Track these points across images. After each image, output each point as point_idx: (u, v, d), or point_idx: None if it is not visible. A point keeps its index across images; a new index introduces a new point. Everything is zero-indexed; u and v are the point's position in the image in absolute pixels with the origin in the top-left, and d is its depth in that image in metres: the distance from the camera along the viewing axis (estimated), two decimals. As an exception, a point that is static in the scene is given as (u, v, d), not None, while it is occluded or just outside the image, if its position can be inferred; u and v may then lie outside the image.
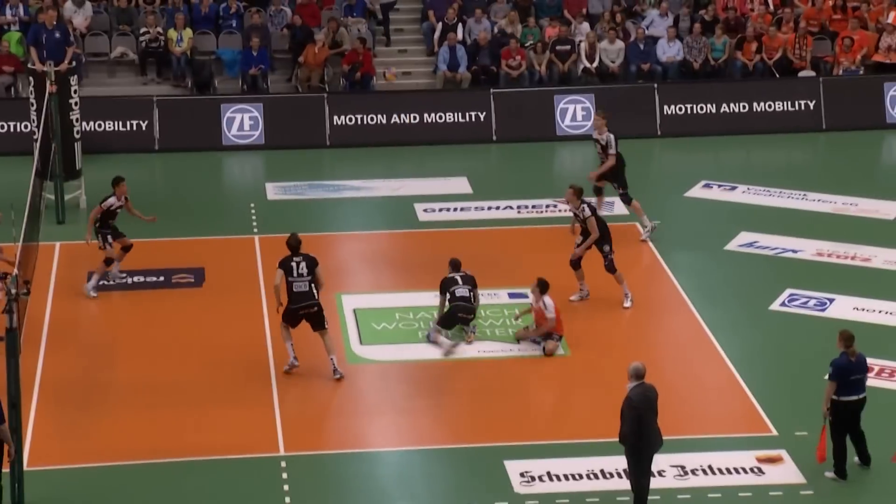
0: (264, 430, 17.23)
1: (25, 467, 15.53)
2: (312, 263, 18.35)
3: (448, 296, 19.58)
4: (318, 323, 18.42)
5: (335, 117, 28.67)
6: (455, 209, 24.74)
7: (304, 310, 18.27)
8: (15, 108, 27.31)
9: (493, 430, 17.33)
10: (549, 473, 16.25)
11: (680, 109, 29.39)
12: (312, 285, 18.28)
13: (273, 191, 25.76)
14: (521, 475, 16.21)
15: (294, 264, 18.26)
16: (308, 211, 24.80)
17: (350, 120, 28.76)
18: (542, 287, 19.25)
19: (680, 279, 21.44)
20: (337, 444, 17.06)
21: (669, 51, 30.60)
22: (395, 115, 28.79)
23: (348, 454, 16.91)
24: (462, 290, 19.54)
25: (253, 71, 29.55)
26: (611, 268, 20.61)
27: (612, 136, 23.13)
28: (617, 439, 15.03)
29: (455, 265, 19.87)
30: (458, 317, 19.51)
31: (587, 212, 20.66)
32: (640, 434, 14.78)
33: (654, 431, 14.92)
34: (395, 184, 26.01)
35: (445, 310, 19.55)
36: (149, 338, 19.75)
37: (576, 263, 20.76)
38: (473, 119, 28.98)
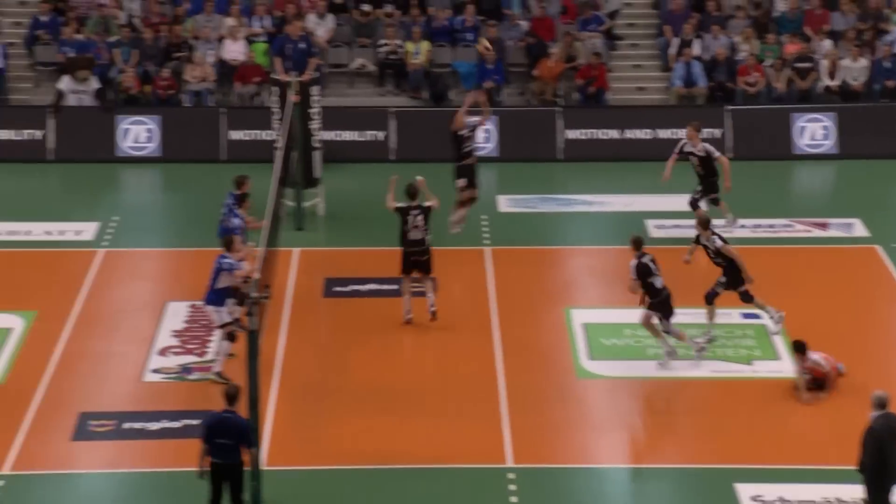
0: (492, 440, 17.33)
1: (263, 466, 15.92)
2: (429, 214, 20.25)
3: (645, 286, 19.09)
4: (426, 269, 20.20)
5: (568, 131, 28.71)
6: (688, 226, 24.45)
7: (415, 256, 20.06)
8: (259, 116, 28.09)
9: (724, 451, 17.11)
10: (781, 499, 15.96)
11: (927, 129, 28.56)
12: (426, 235, 20.10)
13: (505, 203, 25.92)
14: (753, 499, 15.95)
15: (412, 216, 20.05)
16: (539, 224, 24.88)
17: (583, 134, 28.76)
18: (799, 348, 18.36)
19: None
20: (565, 458, 17.07)
21: (917, 70, 29.78)
22: (628, 130, 28.69)
23: (576, 469, 16.90)
24: (660, 281, 19.17)
25: (488, 84, 29.79)
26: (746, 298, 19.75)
27: (707, 145, 23.04)
28: (855, 467, 14.68)
29: (638, 243, 19.25)
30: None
31: (718, 242, 19.84)
32: (881, 464, 14.41)
33: (894, 462, 14.54)
34: (628, 199, 25.90)
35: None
36: (382, 344, 20.07)
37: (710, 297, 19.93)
38: (708, 136, 28.64)
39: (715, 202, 23.68)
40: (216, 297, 18.75)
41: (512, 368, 18.99)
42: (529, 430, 17.61)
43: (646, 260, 18.99)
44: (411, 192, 20.49)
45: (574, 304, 21.15)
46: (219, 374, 18.61)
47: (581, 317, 20.71)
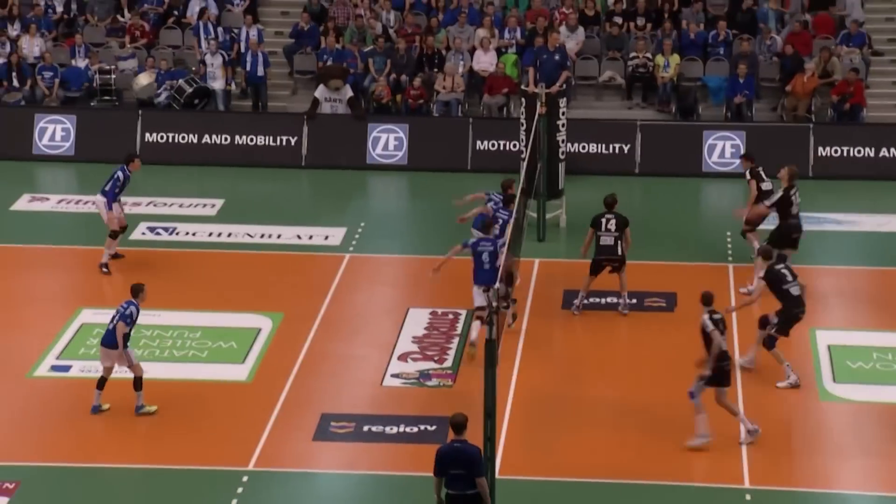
0: (729, 460, 17.06)
1: (497, 476, 16.01)
2: (623, 223, 20.77)
3: (780, 294, 18.84)
4: (617, 270, 20.92)
5: (820, 148, 28.07)
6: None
7: (607, 262, 20.75)
8: (506, 127, 28.31)
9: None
10: None
11: None
12: (619, 241, 20.69)
13: (742, 220, 25.46)
14: None
15: (604, 220, 20.79)
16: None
17: (836, 151, 28.08)
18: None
19: None
20: (803, 482, 16.69)
21: None
22: (883, 149, 27.89)
23: (815, 493, 16.51)
24: (797, 288, 18.86)
25: (738, 98, 29.36)
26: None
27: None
28: None
29: (767, 254, 19.22)
30: (799, 318, 18.99)
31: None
32: None
33: None
34: (882, 219, 25.19)
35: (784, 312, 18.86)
36: (618, 358, 19.98)
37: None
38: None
39: None
40: (488, 277, 19.50)
41: (750, 386, 18.63)
42: (768, 451, 17.27)
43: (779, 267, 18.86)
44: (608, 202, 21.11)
45: (820, 324, 20.65)
46: (473, 343, 19.59)
47: (826, 338, 20.22)
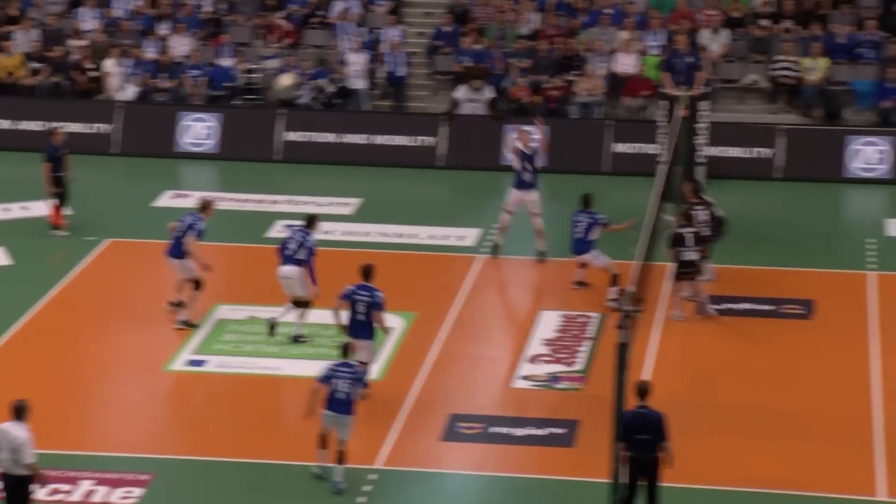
0: (862, 471, 16.74)
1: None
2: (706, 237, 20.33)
3: None
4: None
5: (969, 155, 27.42)
6: None
7: (687, 276, 20.27)
8: (645, 129, 28.09)
9: None
10: None
11: None
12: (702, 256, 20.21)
13: (895, 227, 24.96)
14: None
15: (687, 235, 20.24)
16: (931, 251, 23.88)
17: None
18: None
19: None
20: (940, 497, 16.32)
21: None
22: None
23: (950, 509, 16.15)
24: None
25: (886, 103, 28.76)
26: None
27: None
28: None
29: None
30: None
31: None
32: None
33: None
34: None
35: None
36: (753, 365, 19.72)
37: None
38: None
39: None
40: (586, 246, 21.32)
41: (891, 399, 18.27)
42: (904, 464, 16.92)
43: None
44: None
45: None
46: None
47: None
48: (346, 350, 16.78)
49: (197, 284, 20.77)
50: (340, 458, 16.44)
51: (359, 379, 16.56)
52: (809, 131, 28.64)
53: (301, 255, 20.15)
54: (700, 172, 25.12)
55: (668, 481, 16.44)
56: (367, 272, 18.44)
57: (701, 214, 21.10)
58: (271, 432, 17.90)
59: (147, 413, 18.56)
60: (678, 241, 20.77)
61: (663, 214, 23.58)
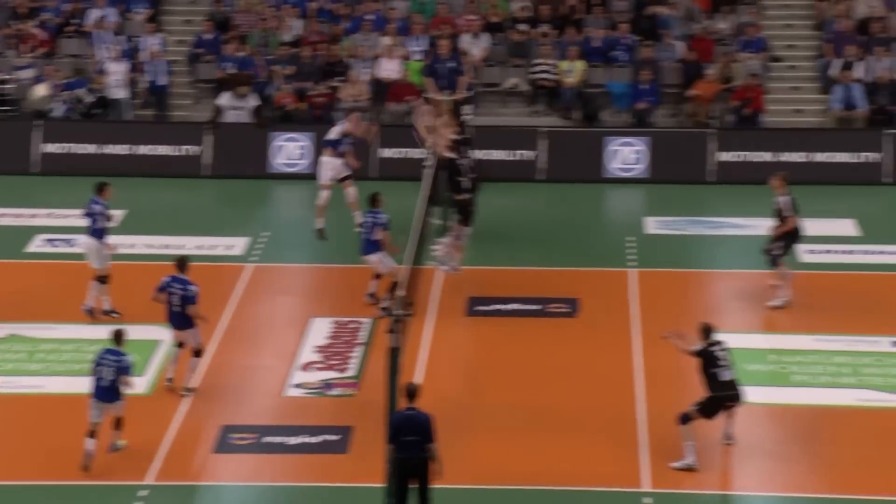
0: (628, 464, 17.17)
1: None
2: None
3: (709, 378, 16.92)
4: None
5: (721, 153, 28.38)
6: (840, 251, 24.04)
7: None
8: (410, 134, 28.26)
9: (871, 482, 16.71)
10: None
11: None
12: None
13: (652, 225, 25.71)
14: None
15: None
16: (687, 246, 24.62)
17: (736, 156, 28.40)
18: None
19: None
20: (703, 485, 16.82)
21: None
22: (783, 153, 28.24)
23: (715, 495, 16.67)
24: (728, 374, 17.00)
25: (641, 105, 29.59)
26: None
27: (788, 199, 21.51)
28: None
29: (708, 331, 17.16)
30: (724, 405, 17.10)
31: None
32: None
33: None
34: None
35: (709, 395, 16.94)
36: (521, 364, 20.04)
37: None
38: (865, 160, 28.11)
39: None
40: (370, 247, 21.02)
41: (652, 392, 18.79)
42: (668, 455, 17.36)
43: (714, 348, 17.10)
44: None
45: (718, 328, 20.80)
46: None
47: (727, 341, 20.34)
48: (116, 337, 17.16)
49: None
50: (118, 424, 17.07)
51: (124, 367, 16.94)
52: (569, 133, 29.27)
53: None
54: (465, 175, 25.40)
55: (442, 482, 16.67)
56: (181, 264, 18.90)
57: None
58: (35, 451, 17.43)
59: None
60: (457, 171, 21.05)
61: (431, 218, 23.87)
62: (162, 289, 18.81)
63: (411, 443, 15.21)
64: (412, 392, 15.41)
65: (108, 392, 16.93)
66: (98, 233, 21.28)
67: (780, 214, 21.81)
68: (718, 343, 17.24)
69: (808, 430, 17.99)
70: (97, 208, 21.32)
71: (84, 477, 16.77)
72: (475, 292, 21.89)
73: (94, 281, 21.26)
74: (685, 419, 17.07)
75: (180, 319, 18.82)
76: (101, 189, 21.58)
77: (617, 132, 28.87)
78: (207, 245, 24.49)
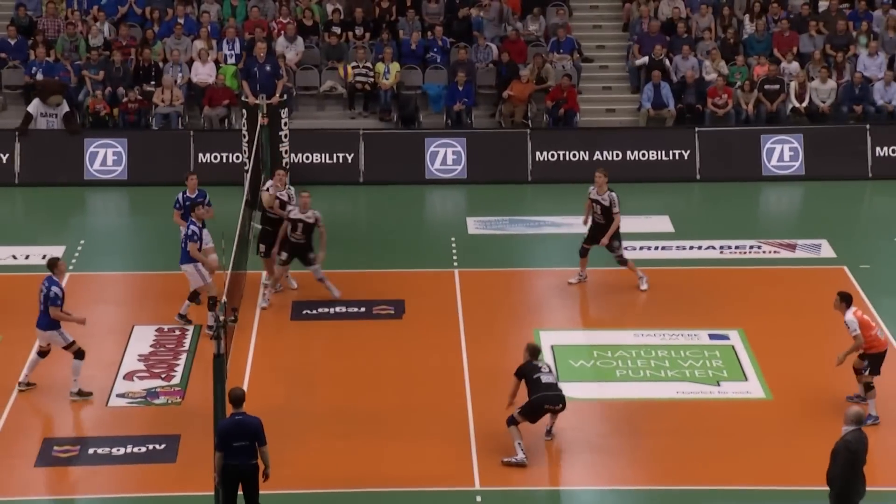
0: (460, 463, 17.27)
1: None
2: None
3: (530, 384, 17.24)
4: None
5: (538, 153, 28.76)
6: (656, 248, 24.55)
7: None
8: (228, 139, 28.05)
9: (691, 472, 17.09)
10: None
11: (894, 151, 28.66)
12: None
13: (474, 225, 25.93)
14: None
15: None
16: (508, 246, 24.88)
17: (552, 156, 28.81)
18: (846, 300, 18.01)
19: (890, 326, 20.84)
20: (533, 481, 17.01)
21: (887, 94, 29.85)
22: (597, 152, 28.73)
23: (543, 491, 16.87)
24: (548, 377, 17.33)
25: (457, 106, 29.81)
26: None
27: (615, 196, 22.09)
28: (819, 487, 14.69)
29: (534, 352, 17.58)
30: (545, 408, 17.37)
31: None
32: (851, 478, 14.48)
33: (861, 479, 14.62)
34: (596, 221, 25.90)
35: (530, 399, 17.24)
36: (348, 367, 20.01)
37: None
38: (677, 157, 28.77)
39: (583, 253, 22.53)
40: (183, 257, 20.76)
41: (480, 390, 18.93)
42: (497, 452, 17.52)
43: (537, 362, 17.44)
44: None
45: (543, 325, 21.12)
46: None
47: (550, 339, 20.67)
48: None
49: None
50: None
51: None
52: (388, 135, 29.33)
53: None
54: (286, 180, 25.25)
55: (269, 487, 16.55)
56: (50, 265, 18.95)
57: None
58: None
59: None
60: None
61: (252, 223, 23.71)
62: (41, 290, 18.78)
63: (242, 448, 15.07)
64: (238, 397, 15.25)
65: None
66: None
67: (609, 212, 22.09)
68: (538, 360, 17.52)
69: (631, 424, 18.31)
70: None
71: None
72: (300, 297, 21.76)
73: None
74: (511, 422, 17.26)
75: (42, 319, 18.71)
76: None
77: (435, 133, 29.03)
78: (21, 254, 23.90)
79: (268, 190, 21.86)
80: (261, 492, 15.28)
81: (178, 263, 21.01)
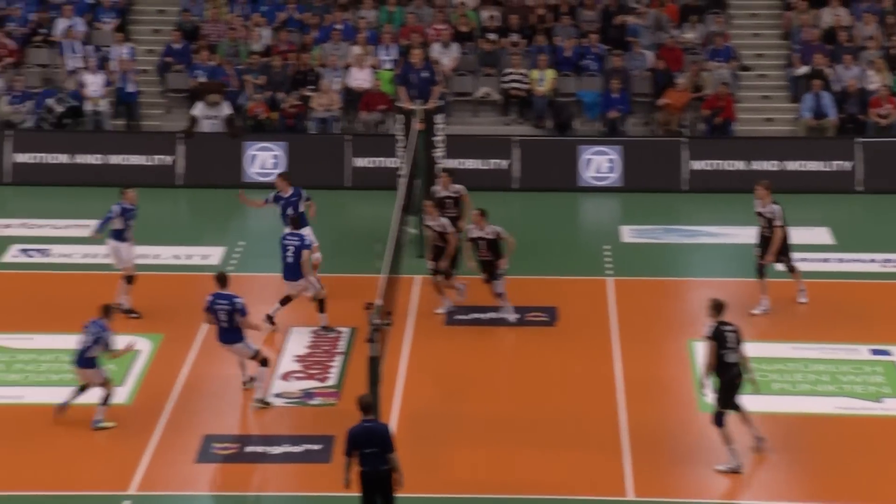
0: (611, 472, 17.19)
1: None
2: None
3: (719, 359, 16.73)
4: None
5: (693, 162, 28.52)
6: (815, 260, 24.18)
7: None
8: (383, 144, 28.30)
9: (852, 490, 16.80)
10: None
11: None
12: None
13: (628, 234, 25.80)
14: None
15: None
16: (662, 255, 24.72)
17: (709, 165, 28.56)
18: None
19: None
20: (686, 493, 16.87)
21: None
22: (755, 162, 28.41)
23: (696, 503, 16.71)
24: (733, 356, 16.88)
25: (612, 113, 29.70)
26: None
27: (776, 208, 21.51)
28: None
29: (719, 308, 16.95)
30: (735, 384, 16.86)
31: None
32: None
33: None
34: (754, 231, 25.55)
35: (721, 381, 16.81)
36: (501, 373, 20.04)
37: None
38: (837, 168, 28.33)
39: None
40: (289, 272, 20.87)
41: (633, 400, 18.84)
42: (650, 462, 17.42)
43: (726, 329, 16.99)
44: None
45: (698, 336, 20.87)
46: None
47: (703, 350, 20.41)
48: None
49: None
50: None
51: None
52: (542, 142, 29.35)
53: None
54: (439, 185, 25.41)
55: (423, 492, 16.67)
56: (221, 280, 18.79)
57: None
58: (15, 461, 17.29)
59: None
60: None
61: (406, 227, 23.88)
62: (207, 308, 18.63)
63: (372, 455, 15.03)
64: (367, 404, 15.19)
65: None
66: (114, 234, 21.60)
67: (769, 224, 21.76)
68: (728, 324, 17.07)
69: (788, 438, 18.04)
70: (115, 209, 21.62)
71: (66, 487, 16.65)
72: (454, 302, 21.84)
73: (121, 280, 21.52)
74: (719, 420, 16.96)
75: (229, 335, 18.59)
76: (122, 192, 21.85)
77: (590, 141, 28.97)
78: (184, 255, 24.39)
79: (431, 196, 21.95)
80: (410, 495, 15.34)
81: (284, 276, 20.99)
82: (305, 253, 20.89)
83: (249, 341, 18.81)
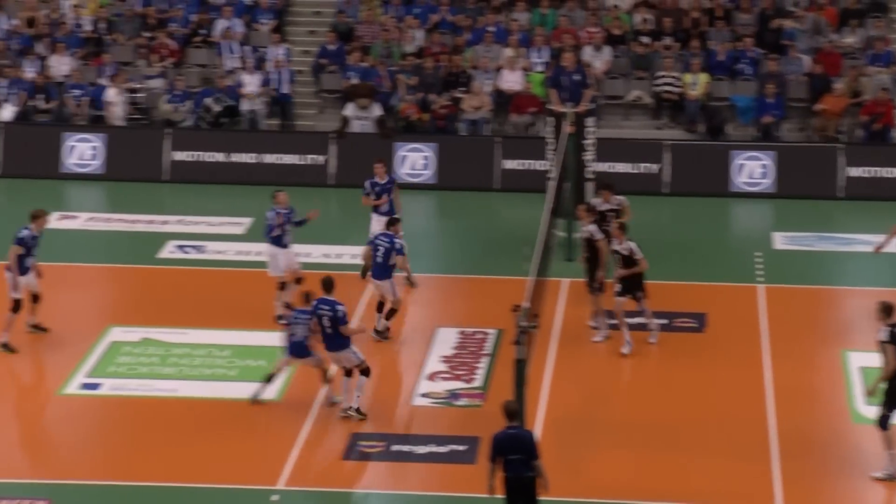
0: (758, 483, 16.95)
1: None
2: None
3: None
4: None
5: (850, 168, 28.02)
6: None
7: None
8: (533, 146, 28.28)
9: None
10: None
11: None
12: None
13: (781, 240, 25.43)
14: None
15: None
16: (816, 262, 24.32)
17: (866, 172, 28.02)
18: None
19: None
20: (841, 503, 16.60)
21: None
22: (915, 170, 27.88)
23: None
24: None
25: (766, 119, 29.30)
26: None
27: None
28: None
29: (889, 310, 16.38)
30: None
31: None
32: None
33: None
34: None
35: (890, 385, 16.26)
36: (648, 379, 19.91)
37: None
38: None
39: None
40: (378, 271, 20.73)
41: (783, 409, 18.56)
42: (800, 473, 17.15)
43: None
44: None
45: (852, 346, 20.54)
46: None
47: (859, 360, 20.07)
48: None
49: (15, 305, 20.42)
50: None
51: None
52: (694, 146, 29.07)
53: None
54: (589, 188, 25.34)
55: (567, 496, 16.61)
56: (327, 285, 18.64)
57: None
58: (168, 454, 17.65)
59: (42, 438, 18.22)
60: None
61: (554, 230, 23.83)
62: (312, 313, 18.57)
63: (517, 461, 15.00)
64: (513, 411, 15.14)
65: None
66: (273, 240, 21.68)
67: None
68: None
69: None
70: (269, 215, 21.73)
71: (216, 481, 16.95)
72: (602, 305, 21.72)
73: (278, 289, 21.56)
74: (883, 422, 16.59)
75: (333, 341, 18.51)
76: (273, 196, 21.93)
77: (743, 146, 28.63)
78: (334, 254, 24.66)
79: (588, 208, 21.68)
80: (553, 499, 15.31)
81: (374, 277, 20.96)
82: (399, 259, 20.87)
83: (356, 348, 18.60)
